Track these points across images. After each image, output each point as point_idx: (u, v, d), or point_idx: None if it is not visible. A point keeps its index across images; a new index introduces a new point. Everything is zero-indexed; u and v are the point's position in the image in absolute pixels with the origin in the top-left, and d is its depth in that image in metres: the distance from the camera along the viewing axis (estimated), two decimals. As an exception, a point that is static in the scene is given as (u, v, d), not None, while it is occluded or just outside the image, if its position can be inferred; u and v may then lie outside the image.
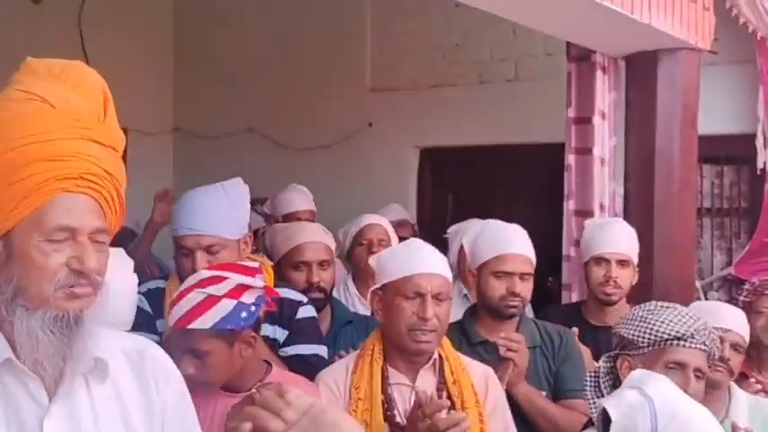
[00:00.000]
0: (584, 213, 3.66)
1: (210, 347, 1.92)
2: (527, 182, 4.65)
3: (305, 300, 2.46)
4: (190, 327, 1.91)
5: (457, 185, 4.96)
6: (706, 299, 4.06)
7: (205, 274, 1.99)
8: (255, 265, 2.17)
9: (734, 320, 2.50)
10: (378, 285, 2.21)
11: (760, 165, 3.86)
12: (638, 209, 3.66)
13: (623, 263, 3.04)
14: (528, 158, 4.63)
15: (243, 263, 2.23)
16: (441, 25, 4.94)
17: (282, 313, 2.37)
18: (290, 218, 4.01)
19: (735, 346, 2.46)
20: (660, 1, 3.28)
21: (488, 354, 2.51)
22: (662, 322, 2.04)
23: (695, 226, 3.83)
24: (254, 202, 4.34)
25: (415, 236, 3.90)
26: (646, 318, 2.07)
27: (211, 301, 1.93)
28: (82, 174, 1.25)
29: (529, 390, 2.46)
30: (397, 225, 4.19)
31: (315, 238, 2.75)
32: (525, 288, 2.59)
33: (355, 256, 3.34)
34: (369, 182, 5.09)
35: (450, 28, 4.92)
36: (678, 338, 2.01)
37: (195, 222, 2.29)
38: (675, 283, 3.60)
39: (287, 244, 2.75)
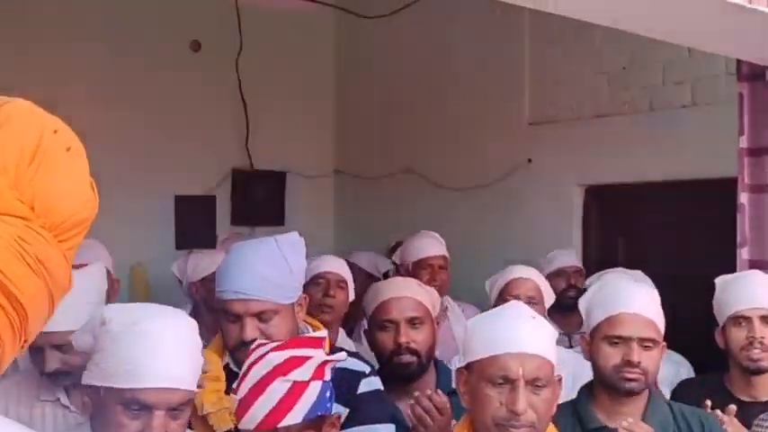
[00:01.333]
0: (761, 264, 3.05)
1: None
2: (705, 223, 4.01)
3: (367, 370, 2.17)
4: (281, 425, 1.66)
5: (627, 227, 4.41)
6: None
7: (277, 356, 1.72)
8: (322, 333, 1.96)
9: None
10: (462, 364, 1.89)
11: None
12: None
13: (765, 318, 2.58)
14: (709, 196, 3.99)
15: (309, 334, 2.03)
16: (606, 47, 4.44)
17: (341, 387, 2.09)
18: (420, 265, 3.74)
19: None
20: None
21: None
22: None
23: None
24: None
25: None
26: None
27: (300, 388, 1.69)
28: None
29: None
30: (574, 273, 3.81)
31: (404, 293, 2.45)
32: (647, 357, 2.18)
33: None
34: (529, 224, 4.68)
35: (617, 50, 4.40)
36: None
37: (244, 285, 2.07)
38: None
39: (374, 301, 2.49)
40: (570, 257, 3.97)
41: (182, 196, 5.00)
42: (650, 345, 2.20)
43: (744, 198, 3.15)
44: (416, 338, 2.38)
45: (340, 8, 5.36)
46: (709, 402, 2.35)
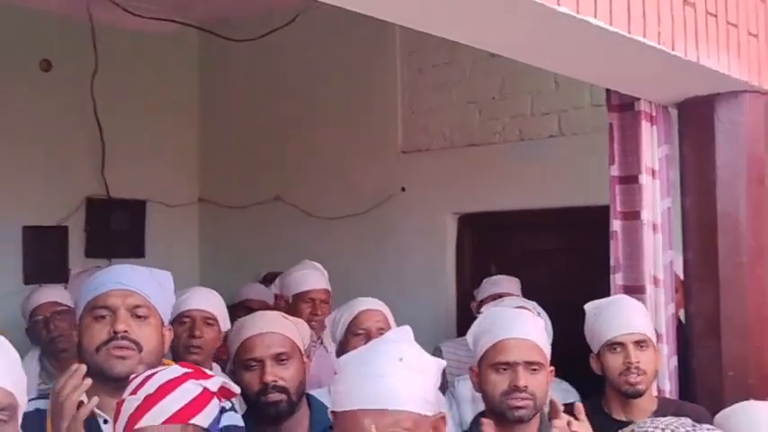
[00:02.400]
0: (635, 289, 3.10)
1: None
2: (577, 251, 4.10)
3: (227, 406, 2.01)
4: (192, 422, 1.61)
5: (500, 255, 4.44)
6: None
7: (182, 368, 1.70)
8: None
9: None
10: None
11: None
12: (700, 282, 3.09)
13: (642, 345, 2.64)
14: (578, 224, 4.10)
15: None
16: (476, 78, 4.50)
17: None
18: (301, 299, 3.60)
19: None
20: (711, 35, 2.75)
21: None
22: None
23: (771, 301, 3.21)
24: (274, 278, 4.02)
25: None
26: None
27: (209, 395, 1.66)
28: None
29: None
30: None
31: (268, 329, 2.28)
32: (534, 381, 2.18)
33: (351, 347, 2.88)
34: (403, 252, 4.65)
35: (487, 80, 4.47)
36: None
37: (121, 279, 2.04)
38: (750, 374, 3.01)
39: (237, 340, 2.32)
40: (511, 284, 3.90)
41: (30, 227, 4.63)
42: (536, 368, 2.20)
43: (616, 225, 3.20)
44: (284, 375, 2.23)
45: (205, 30, 5.17)
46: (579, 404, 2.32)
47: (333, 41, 4.92)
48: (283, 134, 5.14)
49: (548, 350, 2.28)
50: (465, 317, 4.13)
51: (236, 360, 2.29)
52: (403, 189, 4.71)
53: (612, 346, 2.65)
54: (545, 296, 3.61)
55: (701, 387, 3.07)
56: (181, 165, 5.35)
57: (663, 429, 1.65)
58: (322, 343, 3.54)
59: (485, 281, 4.00)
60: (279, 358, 2.25)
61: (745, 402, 2.42)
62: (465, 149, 4.54)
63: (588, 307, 2.80)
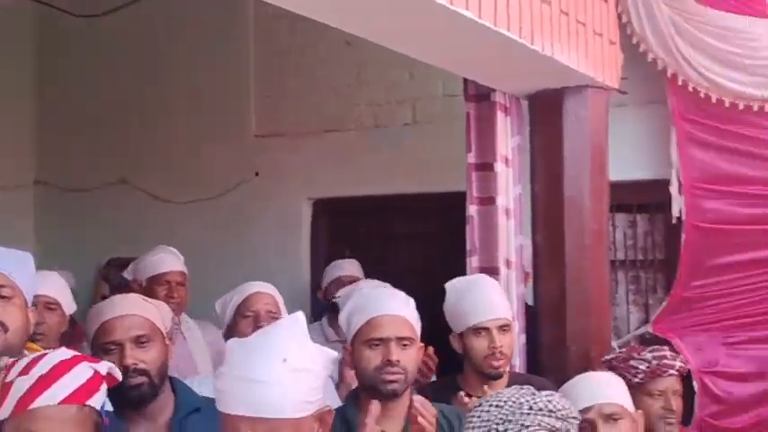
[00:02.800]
0: (490, 270, 3.27)
1: None
2: (431, 236, 4.25)
3: None
4: (89, 402, 1.59)
5: (355, 240, 4.52)
6: (624, 359, 3.71)
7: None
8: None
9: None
10: None
11: (675, 213, 3.55)
12: (549, 264, 3.30)
13: (504, 329, 2.72)
14: (432, 209, 4.24)
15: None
16: (333, 64, 4.54)
17: None
18: (156, 281, 3.50)
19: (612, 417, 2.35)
20: (563, 32, 2.95)
21: None
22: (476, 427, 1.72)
23: (609, 281, 3.48)
24: (126, 264, 3.88)
25: None
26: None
27: (99, 380, 1.64)
28: None
29: None
30: (350, 282, 3.80)
31: (127, 311, 2.20)
32: (406, 356, 2.23)
33: (239, 330, 2.87)
34: (257, 238, 4.61)
35: (344, 67, 4.52)
36: None
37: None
38: (592, 344, 3.26)
39: (95, 324, 2.22)
40: (353, 267, 3.98)
41: None
42: (408, 343, 2.25)
43: (473, 210, 3.36)
44: (144, 358, 2.15)
45: (43, 2, 4.88)
46: (462, 393, 2.50)
47: (183, 21, 4.79)
48: (128, 115, 4.95)
49: (418, 326, 2.34)
50: (320, 302, 4.17)
51: (95, 344, 2.19)
52: (257, 174, 4.68)
53: (477, 330, 2.70)
54: (401, 280, 3.72)
55: (547, 361, 3.28)
56: (15, 145, 5.02)
57: (506, 401, 1.73)
58: (179, 329, 3.47)
59: (327, 267, 4.09)
60: (139, 341, 2.17)
61: (586, 373, 2.64)
62: (321, 135, 4.57)
63: (449, 286, 2.85)
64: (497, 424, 1.70)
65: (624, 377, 2.64)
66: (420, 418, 2.10)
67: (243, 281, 3.22)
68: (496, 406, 1.72)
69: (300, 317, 1.69)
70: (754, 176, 3.36)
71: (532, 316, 3.41)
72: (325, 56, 4.58)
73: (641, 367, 2.69)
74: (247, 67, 4.73)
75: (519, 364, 3.30)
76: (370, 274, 3.88)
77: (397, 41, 2.79)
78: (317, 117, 4.60)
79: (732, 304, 3.47)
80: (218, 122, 4.75)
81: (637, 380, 2.67)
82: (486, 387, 2.54)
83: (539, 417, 1.70)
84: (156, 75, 4.89)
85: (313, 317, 4.32)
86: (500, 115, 3.32)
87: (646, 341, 3.75)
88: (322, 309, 4.04)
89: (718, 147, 3.44)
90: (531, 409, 1.71)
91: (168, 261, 3.58)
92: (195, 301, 3.72)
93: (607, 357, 2.86)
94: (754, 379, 3.45)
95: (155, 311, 2.29)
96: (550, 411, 1.72)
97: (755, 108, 3.30)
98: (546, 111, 3.31)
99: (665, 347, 2.80)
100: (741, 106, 3.33)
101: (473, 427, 1.73)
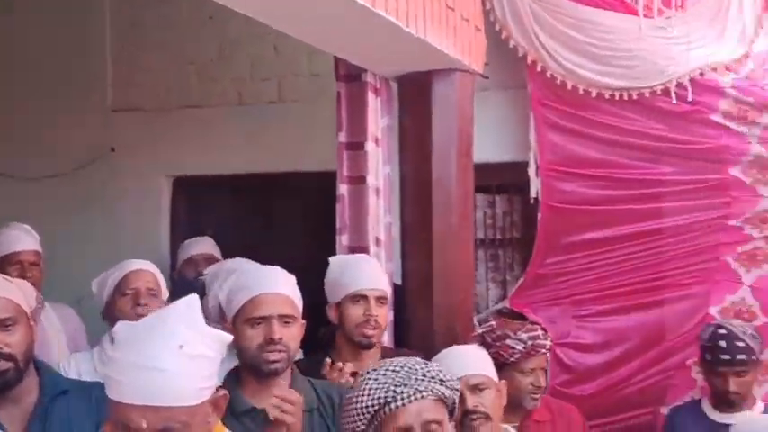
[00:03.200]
0: (359, 249, 3.32)
1: None
2: (298, 215, 4.24)
3: None
4: None
5: (218, 220, 4.43)
6: (482, 333, 3.88)
7: None
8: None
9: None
10: None
11: (533, 194, 3.74)
12: (416, 243, 3.39)
13: (382, 300, 2.80)
14: (299, 188, 4.23)
15: None
16: (193, 38, 4.42)
17: None
18: (8, 261, 3.31)
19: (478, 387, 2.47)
20: (434, 16, 3.02)
21: (257, 425, 2.16)
22: (363, 396, 1.79)
23: (473, 259, 3.62)
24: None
25: None
26: (351, 399, 1.83)
27: None
28: None
29: None
30: (205, 261, 3.75)
31: None
32: (288, 334, 2.23)
33: (118, 309, 2.80)
34: (114, 216, 4.43)
35: (205, 41, 4.41)
36: (385, 404, 1.77)
37: None
38: (456, 319, 3.38)
39: None
40: (206, 245, 3.92)
41: None
42: (290, 321, 2.25)
43: (343, 189, 3.39)
44: (9, 341, 2.06)
45: None
46: (328, 360, 2.56)
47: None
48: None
49: (300, 304, 2.34)
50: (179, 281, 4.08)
51: None
52: (112, 149, 4.49)
53: (355, 297, 2.76)
54: (266, 259, 3.71)
55: (414, 337, 3.38)
56: None
57: (402, 366, 1.81)
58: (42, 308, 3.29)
59: (180, 246, 4.02)
60: (4, 324, 2.06)
61: (452, 347, 2.75)
62: (181, 111, 4.45)
63: (333, 260, 2.90)
64: (395, 386, 1.76)
65: (500, 356, 2.77)
66: (281, 414, 2.11)
67: (99, 262, 3.12)
68: (393, 370, 1.79)
69: (195, 300, 1.61)
70: (605, 160, 3.59)
71: (399, 294, 3.49)
72: (186, 29, 4.45)
73: (518, 348, 2.82)
74: (103, 37, 4.52)
75: (387, 340, 3.38)
76: (233, 253, 3.83)
77: (269, 17, 2.74)
78: (178, 92, 4.47)
79: (582, 280, 3.70)
80: (70, 95, 4.50)
81: (513, 359, 2.80)
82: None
83: (431, 384, 1.78)
84: (6, 42, 4.57)
85: (172, 297, 4.22)
86: (371, 96, 3.36)
87: (503, 316, 3.95)
88: (180, 288, 3.97)
89: (572, 131, 3.63)
90: (424, 376, 1.78)
91: (21, 239, 3.39)
92: (50, 283, 3.55)
93: (480, 331, 2.98)
94: (601, 349, 3.70)
95: (17, 292, 2.17)
96: (441, 381, 1.80)
97: (607, 96, 3.52)
98: (415, 93, 3.38)
99: (538, 327, 2.94)
100: (594, 94, 3.54)
101: (369, 389, 1.78)
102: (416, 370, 1.80)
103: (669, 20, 3.35)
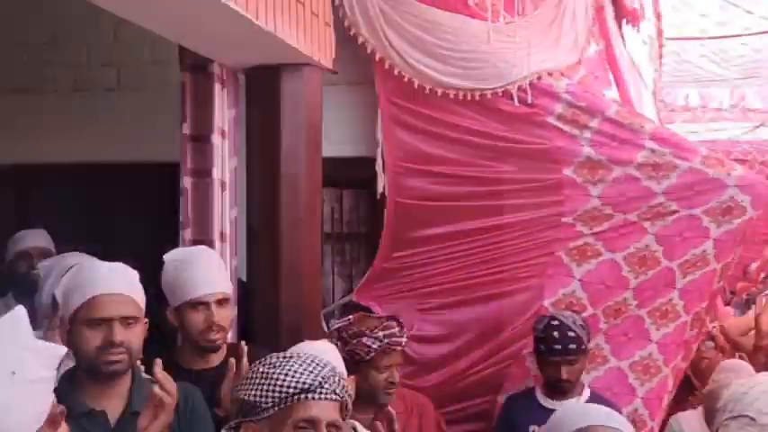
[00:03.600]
0: (203, 243, 3.23)
1: None
2: (140, 208, 4.08)
3: None
4: None
5: (50, 212, 4.17)
6: (328, 328, 3.89)
7: None
8: None
9: None
10: None
11: (380, 189, 3.78)
12: (263, 238, 3.36)
13: (223, 302, 2.73)
14: (140, 180, 4.07)
15: None
16: (23, 19, 4.14)
17: None
18: None
19: None
20: (284, 10, 2.99)
21: (96, 427, 2.12)
22: (286, 375, 1.78)
23: (320, 253, 3.63)
24: None
25: None
26: (267, 374, 1.80)
27: None
28: None
29: None
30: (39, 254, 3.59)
31: None
32: (130, 335, 2.18)
33: None
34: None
35: (38, 24, 4.15)
36: (306, 391, 1.77)
37: None
38: (303, 315, 3.38)
39: None
40: (38, 238, 3.74)
41: None
42: (132, 322, 2.19)
43: (187, 182, 3.29)
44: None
45: None
46: (159, 360, 2.35)
47: None
48: None
49: (143, 301, 2.27)
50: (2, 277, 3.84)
51: None
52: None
53: (195, 304, 2.67)
54: (107, 253, 3.55)
55: (261, 331, 3.34)
56: None
57: (326, 364, 1.84)
58: None
59: (10, 240, 3.81)
60: None
61: (303, 343, 2.73)
62: (10, 96, 4.16)
63: (167, 259, 2.77)
64: (323, 378, 1.78)
65: (356, 354, 2.78)
66: (159, 391, 2.09)
67: None
68: (318, 364, 1.82)
69: (20, 314, 1.41)
70: (450, 158, 3.68)
71: (244, 290, 3.44)
72: (14, 10, 4.16)
73: (374, 346, 2.84)
74: None
75: (231, 336, 3.32)
76: (68, 246, 3.64)
77: (107, 1, 2.61)
78: (8, 76, 4.17)
79: (426, 274, 3.78)
80: None
81: (368, 357, 2.82)
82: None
83: (343, 391, 1.82)
84: None
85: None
86: (217, 87, 3.28)
87: (349, 310, 3.98)
88: (6, 284, 3.76)
89: (418, 129, 3.70)
90: (339, 382, 1.82)
91: None
92: None
93: (337, 326, 2.98)
94: (443, 341, 3.81)
95: None
96: (348, 393, 1.85)
97: (452, 95, 3.61)
98: (264, 86, 3.33)
99: (394, 323, 2.98)
100: (440, 93, 3.62)
101: (295, 371, 1.78)
102: (336, 372, 1.83)
103: (511, 25, 3.49)
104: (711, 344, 4.23)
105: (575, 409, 2.41)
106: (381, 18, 3.62)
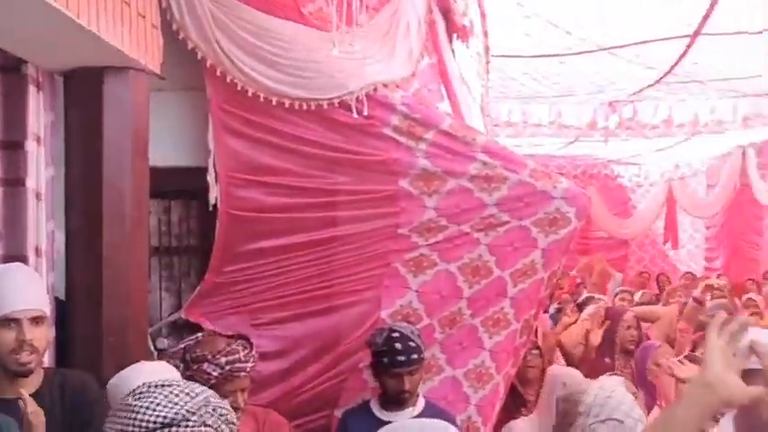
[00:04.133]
0: (17, 258, 2.97)
1: None
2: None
3: None
4: None
5: None
6: (155, 347, 3.69)
7: None
8: None
9: None
10: None
11: (212, 200, 3.62)
12: (84, 253, 3.14)
13: (38, 320, 2.58)
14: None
15: None
16: None
17: None
18: None
19: None
20: (108, 9, 2.80)
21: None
22: (147, 408, 1.65)
23: (147, 268, 3.43)
24: None
25: None
26: (131, 406, 1.67)
27: None
28: None
29: None
30: None
31: None
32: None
33: None
34: None
35: None
36: (167, 425, 1.64)
37: None
38: (128, 333, 3.19)
39: None
40: None
41: None
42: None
43: (-3, 192, 3.02)
44: None
45: None
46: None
47: None
48: None
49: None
50: None
51: None
52: None
53: (6, 321, 2.52)
54: None
55: (81, 354, 3.11)
56: None
57: (198, 393, 1.69)
58: None
59: None
60: None
61: (138, 365, 2.61)
62: None
63: None
64: (187, 411, 1.64)
65: (195, 381, 2.64)
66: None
67: None
68: (187, 394, 1.67)
69: None
70: (283, 168, 3.58)
71: (62, 309, 3.20)
72: None
73: (214, 373, 2.72)
74: None
75: (48, 359, 3.07)
76: None
77: None
78: None
79: (260, 288, 3.67)
80: None
81: (209, 384, 2.68)
82: (21, 390, 2.38)
83: (218, 421, 1.68)
84: None
85: None
86: (32, 90, 3.04)
87: (178, 327, 3.80)
88: None
89: (251, 138, 3.58)
90: (215, 410, 1.68)
91: None
92: None
93: (183, 345, 2.83)
94: (277, 357, 3.71)
95: None
96: (228, 422, 1.71)
97: (287, 105, 3.52)
98: (85, 89, 3.12)
99: (239, 347, 2.85)
100: (274, 102, 3.52)
101: (158, 404, 1.64)
102: (210, 402, 1.69)
103: (348, 35, 3.45)
104: (537, 352, 4.40)
105: (412, 425, 2.39)
106: (212, 23, 3.47)
